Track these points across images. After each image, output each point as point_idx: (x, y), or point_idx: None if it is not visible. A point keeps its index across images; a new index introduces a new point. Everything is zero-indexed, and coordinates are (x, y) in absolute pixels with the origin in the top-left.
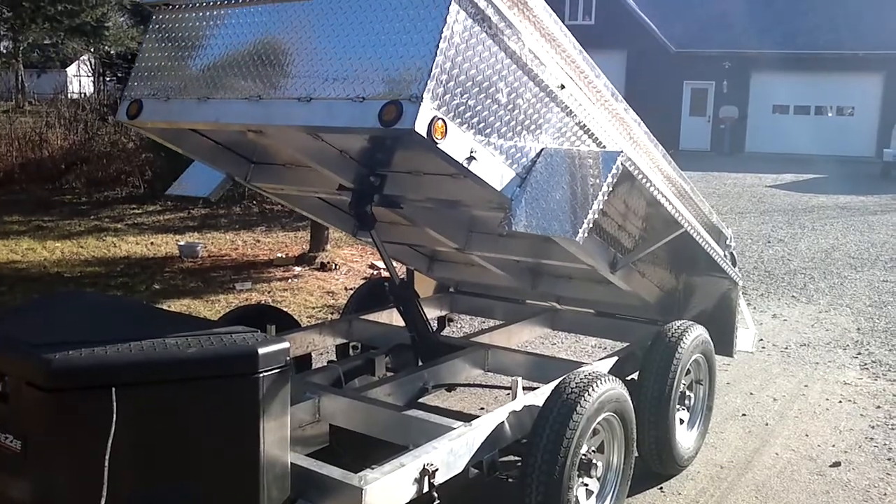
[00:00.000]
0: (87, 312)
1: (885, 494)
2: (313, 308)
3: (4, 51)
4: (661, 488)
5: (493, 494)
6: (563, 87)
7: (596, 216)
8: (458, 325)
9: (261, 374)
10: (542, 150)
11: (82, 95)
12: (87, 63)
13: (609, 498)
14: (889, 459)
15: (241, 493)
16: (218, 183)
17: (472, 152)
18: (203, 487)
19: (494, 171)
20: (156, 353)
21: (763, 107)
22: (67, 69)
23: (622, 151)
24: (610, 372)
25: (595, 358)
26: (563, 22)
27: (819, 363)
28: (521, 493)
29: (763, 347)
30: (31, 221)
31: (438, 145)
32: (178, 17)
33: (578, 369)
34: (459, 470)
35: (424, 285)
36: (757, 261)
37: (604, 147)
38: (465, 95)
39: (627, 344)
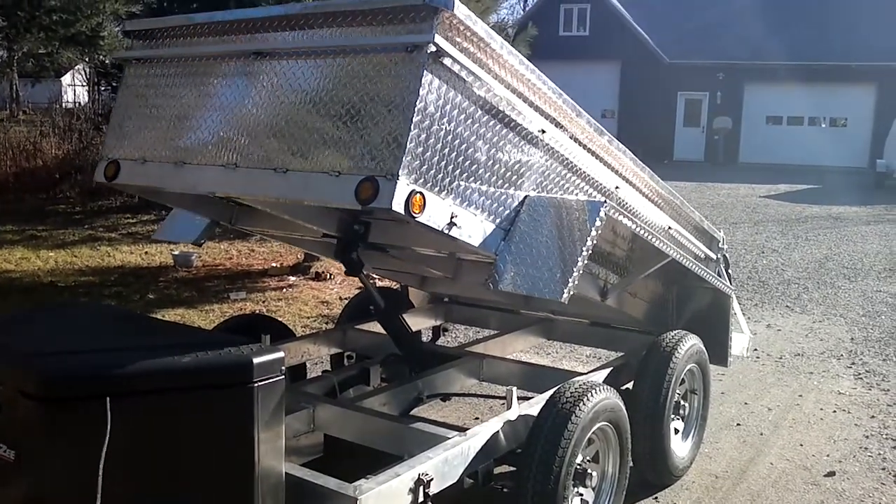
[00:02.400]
0: (81, 322)
1: None
2: (308, 318)
3: None
4: (656, 498)
5: None
6: (543, 131)
7: (581, 272)
8: (453, 335)
9: (255, 384)
10: (525, 198)
11: (77, 105)
12: (82, 72)
13: None
14: (883, 469)
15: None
16: (203, 228)
17: (452, 217)
18: (197, 497)
19: (476, 230)
20: (150, 362)
21: (757, 117)
22: (62, 78)
23: (605, 202)
24: (605, 382)
25: (590, 368)
26: (557, 33)
27: (813, 373)
28: (517, 503)
29: (757, 357)
30: (24, 231)
31: (416, 219)
32: (150, 73)
33: (573, 379)
34: (454, 480)
35: (419, 295)
36: (751, 271)
37: (590, 181)
38: (443, 162)
39: (622, 354)
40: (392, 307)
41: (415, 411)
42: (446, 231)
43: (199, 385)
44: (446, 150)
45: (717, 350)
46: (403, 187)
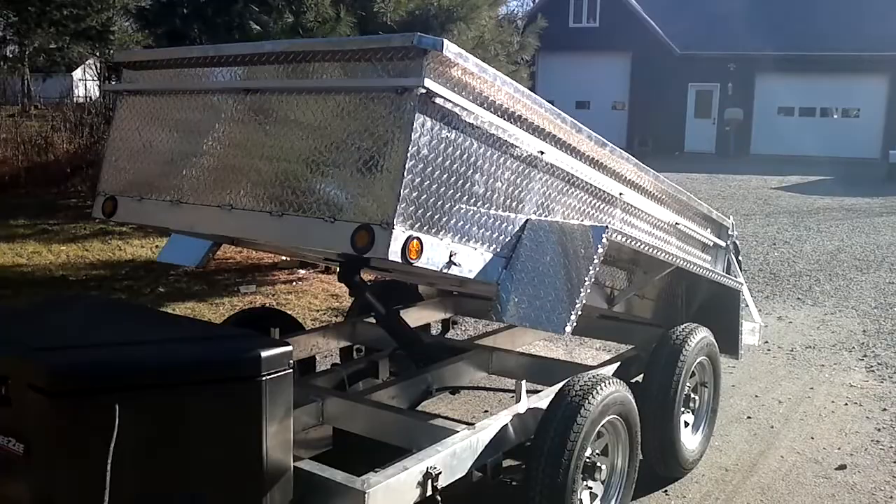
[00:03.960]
0: (90, 316)
1: (892, 497)
2: (317, 311)
3: (10, 55)
4: (666, 491)
5: (497, 498)
6: (543, 152)
7: (584, 301)
8: (462, 328)
9: (264, 378)
10: (526, 222)
11: (88, 99)
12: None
13: (613, 501)
14: (895, 462)
15: (244, 497)
16: (205, 250)
17: (451, 256)
18: (206, 490)
19: (476, 263)
20: (159, 356)
21: (768, 109)
22: (73, 73)
23: (607, 227)
24: (614, 374)
25: (599, 360)
26: (567, 25)
27: (825, 365)
28: (525, 497)
29: (768, 350)
30: (36, 225)
31: (414, 265)
32: (142, 106)
33: (583, 372)
34: (463, 473)
35: (428, 287)
36: (762, 263)
37: (594, 192)
38: (440, 202)
39: (632, 346)
40: (392, 314)
41: (424, 404)
42: (445, 270)
43: (207, 379)
44: (442, 189)
45: (728, 342)
46: (400, 235)
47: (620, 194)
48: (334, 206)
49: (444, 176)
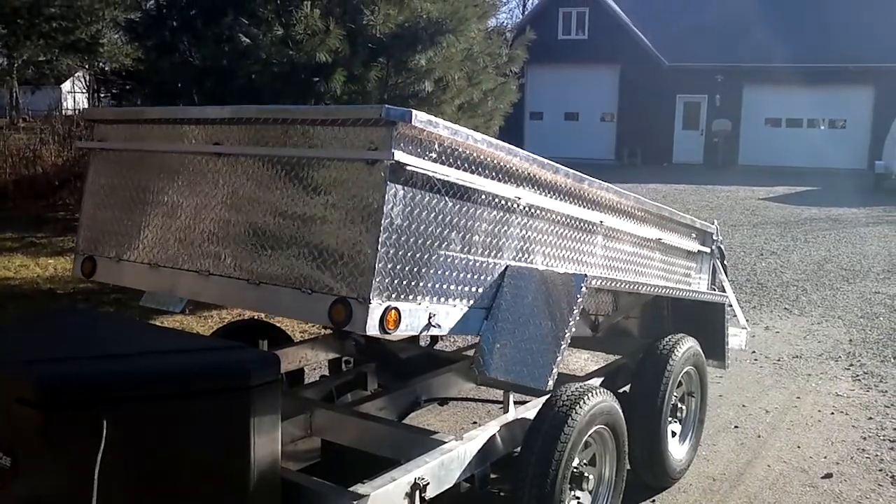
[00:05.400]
0: (78, 329)
1: None
2: (306, 323)
3: None
4: (654, 501)
5: None
6: (519, 198)
7: (564, 353)
8: (451, 339)
9: (251, 389)
10: (506, 268)
11: (77, 112)
12: (82, 80)
13: None
14: (881, 471)
15: None
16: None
17: (430, 318)
18: (193, 501)
19: (457, 319)
20: (147, 369)
21: (756, 120)
22: (62, 86)
23: (586, 276)
24: (601, 385)
25: (587, 370)
26: (556, 37)
27: (811, 375)
28: None
29: (755, 359)
30: (24, 238)
31: (391, 335)
32: (114, 164)
33: (570, 382)
34: (451, 484)
35: None
36: (749, 273)
37: (573, 224)
38: (416, 267)
39: (619, 356)
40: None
41: (412, 416)
42: (425, 332)
43: (195, 390)
44: (418, 254)
45: (715, 352)
46: (377, 308)
47: (601, 222)
48: (310, 277)
49: (420, 241)
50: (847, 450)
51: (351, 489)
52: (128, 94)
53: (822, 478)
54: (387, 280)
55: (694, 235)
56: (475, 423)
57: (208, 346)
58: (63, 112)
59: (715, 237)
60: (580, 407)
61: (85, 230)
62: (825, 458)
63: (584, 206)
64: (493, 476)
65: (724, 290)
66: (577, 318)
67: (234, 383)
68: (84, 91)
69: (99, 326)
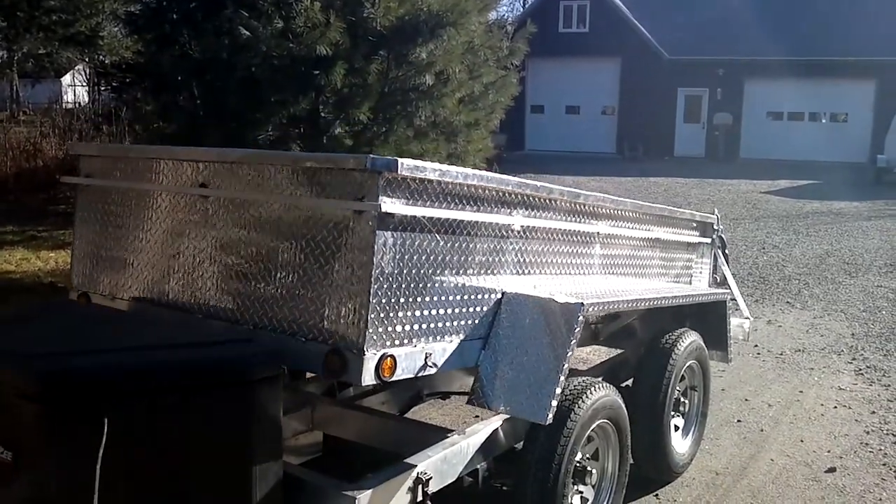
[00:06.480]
0: (80, 322)
1: (881, 500)
2: None
3: None
4: (657, 495)
5: (488, 503)
6: (513, 224)
7: (563, 384)
8: None
9: (253, 383)
10: (502, 296)
11: (77, 105)
12: (82, 73)
13: None
14: (884, 465)
15: (233, 502)
16: None
17: (426, 358)
18: (195, 496)
19: (453, 354)
20: (148, 362)
21: (757, 113)
22: (62, 79)
23: (583, 303)
24: (604, 379)
25: (590, 364)
26: (557, 30)
27: (814, 369)
28: (516, 501)
29: (758, 353)
30: (25, 231)
31: (387, 381)
32: (102, 201)
33: (573, 377)
34: (453, 478)
35: None
36: (752, 267)
37: (570, 239)
38: (409, 310)
39: (622, 350)
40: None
41: (414, 410)
42: (421, 374)
43: (197, 384)
44: (412, 298)
45: (718, 346)
46: (372, 358)
47: (598, 232)
48: (304, 325)
49: (413, 284)
50: (850, 444)
51: (353, 484)
52: (128, 87)
53: (826, 472)
54: (380, 329)
55: (694, 226)
56: (477, 417)
57: (210, 340)
58: (63, 105)
59: (716, 226)
60: (583, 401)
61: (77, 267)
62: (828, 452)
63: (580, 220)
64: (495, 470)
65: (725, 280)
66: (576, 346)
67: (237, 377)
68: (84, 84)
69: (100, 320)
